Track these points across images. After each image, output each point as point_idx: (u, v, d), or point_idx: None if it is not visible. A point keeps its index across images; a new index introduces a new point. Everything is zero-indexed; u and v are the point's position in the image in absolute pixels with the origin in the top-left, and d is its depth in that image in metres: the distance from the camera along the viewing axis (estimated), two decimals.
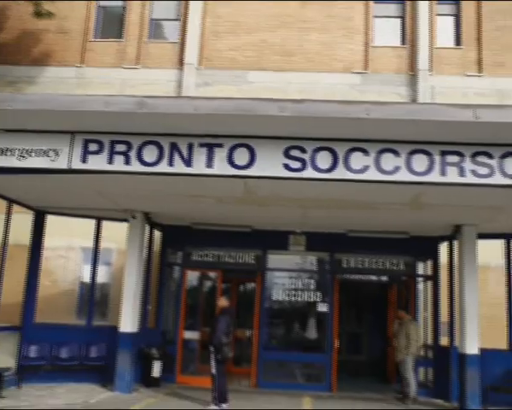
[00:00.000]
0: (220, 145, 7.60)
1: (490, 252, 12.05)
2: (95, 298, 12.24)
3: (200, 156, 7.61)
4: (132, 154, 7.68)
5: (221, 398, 9.57)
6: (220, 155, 7.58)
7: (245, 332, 14.22)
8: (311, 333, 12.80)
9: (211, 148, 7.60)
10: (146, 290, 12.06)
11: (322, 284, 12.49)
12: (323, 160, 7.49)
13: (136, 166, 7.68)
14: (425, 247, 12.26)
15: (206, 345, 10.49)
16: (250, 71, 15.76)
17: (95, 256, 12.05)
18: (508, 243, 11.76)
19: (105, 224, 12.09)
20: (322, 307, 12.28)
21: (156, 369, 11.26)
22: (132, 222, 11.08)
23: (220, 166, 7.58)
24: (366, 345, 16.65)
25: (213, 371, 9.55)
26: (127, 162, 7.68)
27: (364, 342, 16.77)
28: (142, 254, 11.30)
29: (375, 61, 15.66)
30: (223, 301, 10.16)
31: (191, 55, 15.96)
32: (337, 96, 14.45)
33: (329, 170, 7.49)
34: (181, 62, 16.01)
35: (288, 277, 12.72)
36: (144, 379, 11.23)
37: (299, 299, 12.54)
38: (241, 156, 7.54)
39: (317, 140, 7.50)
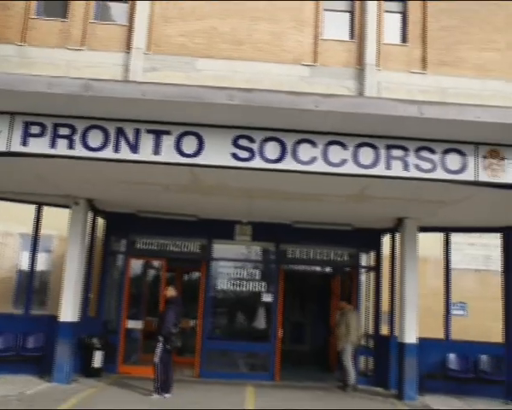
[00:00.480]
0: (168, 132, 7.47)
1: (429, 245, 12.44)
2: (33, 286, 11.83)
3: (147, 143, 7.46)
4: (76, 138, 7.43)
5: (164, 387, 9.49)
6: (168, 142, 7.45)
7: (189, 322, 14.15)
8: (256, 323, 12.86)
9: (158, 134, 7.47)
10: (88, 279, 11.77)
11: (268, 274, 12.56)
12: (272, 150, 7.49)
13: (80, 150, 7.44)
14: (368, 239, 12.52)
15: (150, 335, 10.36)
16: (199, 58, 15.59)
17: (34, 243, 11.64)
18: (446, 237, 12.18)
19: (46, 210, 11.69)
20: (267, 297, 12.35)
21: (97, 359, 11.02)
22: (75, 208, 10.77)
23: (167, 154, 7.46)
24: (309, 335, 16.91)
25: (156, 359, 9.45)
26: (71, 146, 7.43)
27: (308, 332, 17.02)
28: (84, 241, 11.01)
29: (324, 54, 15.82)
30: (170, 291, 10.05)
31: (139, 39, 15.63)
32: (285, 87, 14.51)
33: (277, 160, 7.50)
34: (128, 46, 15.65)
35: (233, 266, 12.71)
36: (85, 370, 10.98)
37: (244, 289, 12.55)
38: (189, 144, 7.44)
39: (265, 130, 7.49)
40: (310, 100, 6.93)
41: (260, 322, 12.71)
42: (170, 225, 11.95)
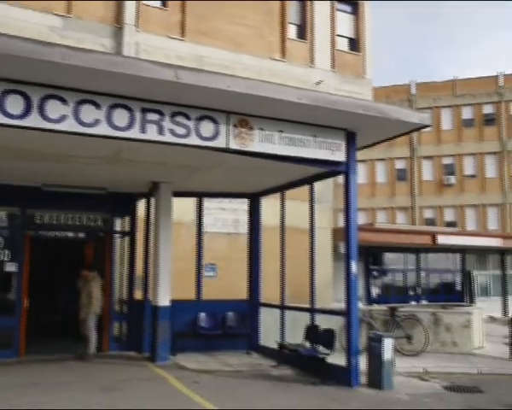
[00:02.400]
0: None
1: (183, 209, 12.78)
2: None
3: None
4: None
5: None
6: None
7: None
8: None
9: None
10: None
11: (12, 242, 11.45)
12: (15, 104, 6.71)
13: None
14: (123, 203, 12.29)
15: None
16: None
17: None
18: (200, 201, 12.62)
19: None
20: (11, 267, 11.29)
21: None
22: None
23: None
24: (61, 304, 16.09)
25: None
26: None
27: (60, 302, 16.19)
28: None
29: (78, 6, 14.77)
30: None
31: None
32: (34, 36, 13.18)
33: (22, 116, 6.77)
34: None
35: None
36: None
37: None
38: None
39: (6, 81, 6.67)
40: (57, 52, 6.34)
41: (3, 295, 11.60)
42: None
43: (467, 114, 38.86)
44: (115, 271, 12.56)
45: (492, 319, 20.87)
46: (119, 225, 12.89)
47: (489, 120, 38.59)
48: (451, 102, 38.77)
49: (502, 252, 27.71)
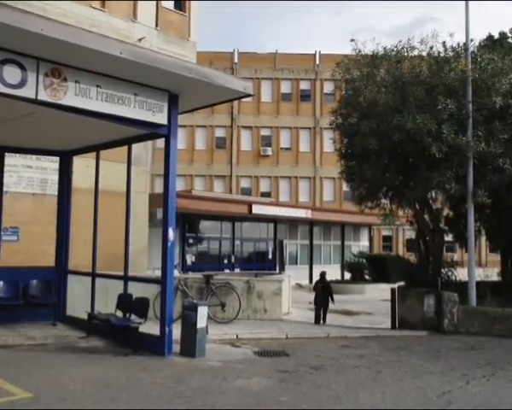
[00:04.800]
0: None
1: None
2: None
3: None
4: None
5: None
6: None
7: None
8: None
9: None
10: None
11: None
12: None
13: None
14: None
15: None
16: None
17: None
18: (1, 157, 11.29)
19: None
20: None
21: None
22: None
23: None
24: None
25: None
26: None
27: None
28: None
29: None
30: None
31: None
32: None
33: None
34: None
35: None
36: None
37: None
38: None
39: None
40: None
41: None
42: None
43: (285, 88, 40.63)
44: None
45: (299, 286, 22.44)
46: None
47: (305, 96, 40.84)
48: (272, 75, 40.21)
49: (310, 223, 29.73)
